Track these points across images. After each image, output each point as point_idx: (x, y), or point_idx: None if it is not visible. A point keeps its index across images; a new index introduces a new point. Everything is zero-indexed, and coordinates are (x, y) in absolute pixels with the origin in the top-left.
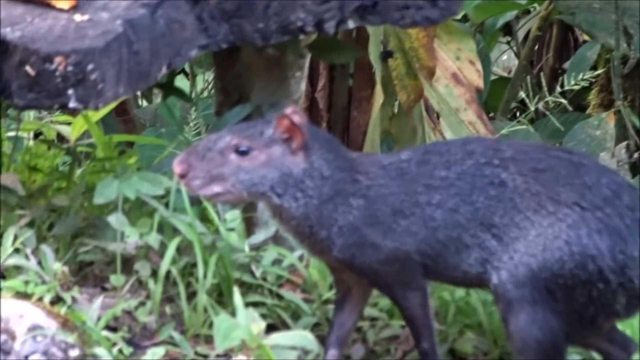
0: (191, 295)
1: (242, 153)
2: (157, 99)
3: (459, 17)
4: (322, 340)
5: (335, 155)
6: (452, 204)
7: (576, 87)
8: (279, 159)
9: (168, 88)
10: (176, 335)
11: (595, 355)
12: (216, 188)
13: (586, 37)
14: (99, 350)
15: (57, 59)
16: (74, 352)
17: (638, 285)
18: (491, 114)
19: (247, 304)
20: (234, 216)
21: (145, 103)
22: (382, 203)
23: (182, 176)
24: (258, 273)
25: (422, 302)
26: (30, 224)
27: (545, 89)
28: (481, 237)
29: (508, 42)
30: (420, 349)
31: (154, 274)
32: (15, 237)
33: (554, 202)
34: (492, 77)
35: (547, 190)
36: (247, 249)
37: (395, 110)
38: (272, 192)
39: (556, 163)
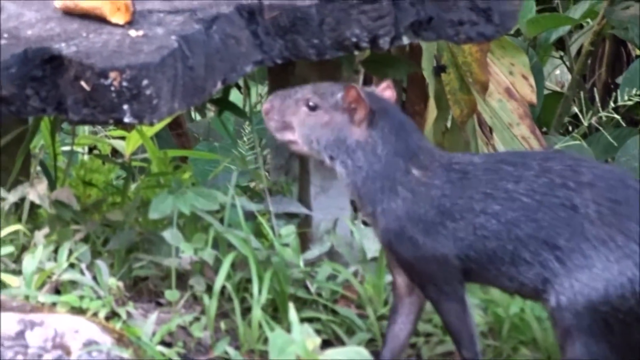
0: (246, 311)
1: (311, 108)
2: (210, 112)
3: (511, 31)
4: (377, 356)
5: (398, 139)
6: (512, 218)
7: (629, 102)
8: (338, 124)
9: (223, 103)
10: (231, 351)
11: None
12: (288, 135)
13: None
14: None
15: (112, 74)
16: None
17: None
18: (544, 129)
19: (302, 320)
20: (288, 231)
21: (198, 117)
22: (429, 202)
23: (266, 113)
24: (313, 288)
25: (460, 311)
26: (85, 239)
27: (598, 104)
28: (543, 256)
29: (561, 57)
30: (462, 357)
31: (209, 289)
32: (70, 252)
33: (625, 236)
34: (545, 92)
35: (620, 223)
36: (301, 264)
37: (449, 124)
38: (325, 152)
39: (632, 195)
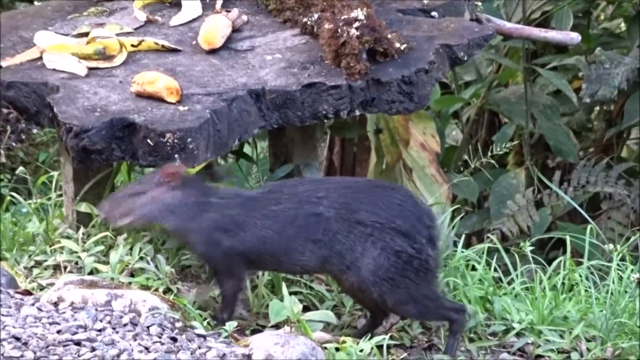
0: (254, 287)
1: (140, 195)
2: (230, 159)
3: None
4: (339, 316)
5: (199, 190)
6: (279, 228)
7: (500, 152)
8: (162, 196)
9: (239, 153)
10: (244, 313)
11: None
12: (126, 220)
13: (506, 120)
14: (195, 323)
15: (168, 135)
16: (179, 324)
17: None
18: (445, 169)
19: (291, 293)
20: None
21: (223, 162)
22: (228, 218)
23: (105, 217)
24: None
25: (236, 288)
26: (150, 241)
27: (480, 153)
28: (311, 246)
29: (456, 123)
30: (219, 317)
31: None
32: (140, 249)
33: (361, 224)
34: (446, 146)
35: (354, 216)
36: None
37: (384, 167)
38: (159, 218)
39: (357, 196)
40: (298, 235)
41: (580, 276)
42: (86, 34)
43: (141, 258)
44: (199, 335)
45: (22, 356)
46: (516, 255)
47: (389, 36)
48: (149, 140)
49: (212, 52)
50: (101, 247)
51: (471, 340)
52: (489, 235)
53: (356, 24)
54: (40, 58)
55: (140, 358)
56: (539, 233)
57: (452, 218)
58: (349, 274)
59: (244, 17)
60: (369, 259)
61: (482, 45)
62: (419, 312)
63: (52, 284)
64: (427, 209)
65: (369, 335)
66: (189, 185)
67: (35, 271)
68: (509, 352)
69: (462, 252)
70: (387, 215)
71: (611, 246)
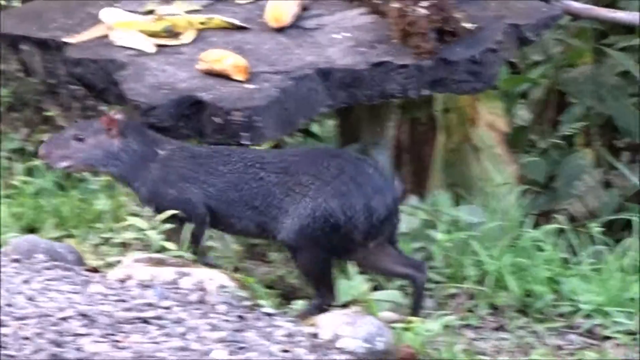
0: None
1: (80, 140)
2: (298, 137)
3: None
4: (407, 296)
5: (144, 138)
6: (222, 187)
7: (568, 133)
8: (101, 142)
9: (306, 132)
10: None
11: None
12: (64, 163)
13: (574, 100)
14: (263, 302)
15: (235, 113)
16: (246, 302)
17: (363, 226)
18: (515, 150)
19: (359, 273)
20: None
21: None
22: (173, 170)
23: (44, 157)
24: None
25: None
26: None
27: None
28: (248, 212)
29: (524, 103)
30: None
31: None
32: None
33: (299, 185)
34: (515, 126)
35: (293, 179)
36: None
37: (452, 146)
38: (99, 164)
39: (299, 160)
40: (239, 200)
41: None
42: (154, 11)
43: (210, 237)
44: (266, 314)
45: (89, 333)
46: (584, 236)
47: (457, 15)
48: (216, 118)
49: (280, 30)
50: (170, 225)
51: (539, 321)
52: (557, 216)
53: (424, 3)
54: (108, 35)
55: (208, 336)
56: (607, 214)
57: (521, 198)
58: (280, 235)
59: None
60: (298, 215)
61: (550, 25)
62: (311, 279)
63: (119, 262)
64: (377, 180)
65: (436, 316)
66: (131, 133)
67: (103, 248)
68: (576, 333)
69: (530, 232)
70: (323, 177)
71: None
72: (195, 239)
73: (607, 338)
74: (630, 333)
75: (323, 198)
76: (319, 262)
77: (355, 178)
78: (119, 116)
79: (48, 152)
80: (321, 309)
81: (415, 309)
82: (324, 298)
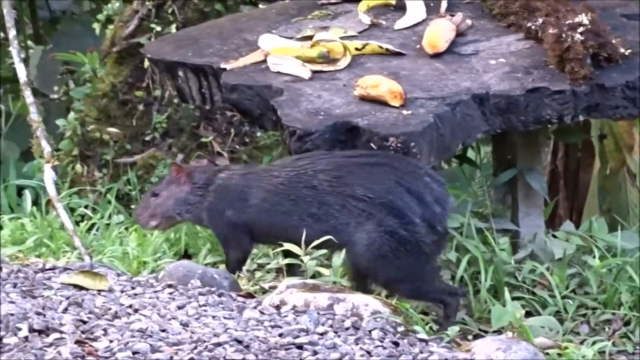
0: (476, 292)
1: (156, 195)
2: (454, 163)
3: None
4: (561, 322)
5: (205, 174)
6: (276, 200)
7: None
8: (173, 192)
9: (462, 157)
10: (466, 318)
11: None
12: (152, 222)
13: None
14: (417, 328)
15: (391, 139)
16: (400, 329)
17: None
18: None
19: (513, 298)
20: (504, 241)
21: (445, 166)
22: (228, 190)
23: (136, 220)
24: (520, 278)
25: (240, 258)
26: None
27: None
28: (307, 221)
29: None
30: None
31: (453, 278)
32: None
33: (352, 197)
34: None
35: (348, 189)
36: (512, 262)
37: (607, 172)
38: (175, 214)
39: (352, 169)
40: (294, 209)
41: None
42: (310, 37)
43: None
44: (420, 340)
45: (243, 359)
46: None
47: (613, 41)
48: (372, 144)
49: (436, 56)
50: (324, 251)
51: None
52: None
53: (580, 29)
54: (264, 61)
55: None
56: None
57: None
58: (346, 249)
59: (468, 22)
60: (363, 234)
61: None
62: (410, 292)
63: (274, 287)
64: (435, 189)
65: (591, 342)
66: (199, 176)
67: (258, 274)
68: None
69: None
70: (379, 190)
71: None
72: (232, 270)
73: None
74: None
75: (382, 214)
76: (407, 275)
77: (414, 189)
78: (194, 164)
79: (138, 214)
80: (453, 311)
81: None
82: (446, 305)
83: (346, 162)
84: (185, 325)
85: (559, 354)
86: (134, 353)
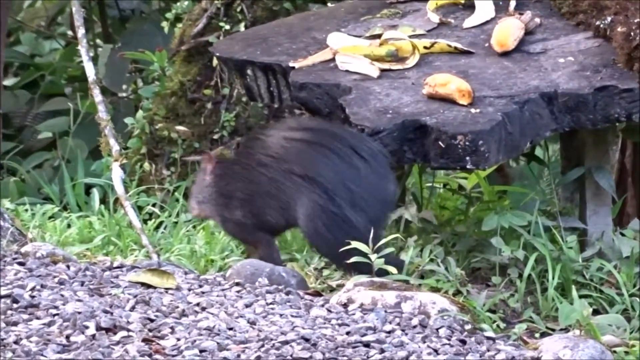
0: (544, 290)
1: (193, 183)
2: (522, 162)
3: None
4: (628, 320)
5: (227, 168)
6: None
7: None
8: (200, 181)
9: (530, 156)
10: (534, 316)
11: None
12: (194, 212)
13: None
14: (484, 326)
15: (459, 137)
16: (468, 327)
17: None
18: None
19: (580, 296)
20: (572, 239)
21: (514, 164)
22: (223, 191)
23: (189, 210)
24: (587, 276)
25: (268, 251)
26: (440, 243)
27: None
28: (265, 199)
29: None
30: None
31: (520, 276)
32: (430, 252)
33: (292, 173)
34: None
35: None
36: (580, 260)
37: None
38: (200, 203)
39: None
40: (266, 196)
41: None
42: (379, 36)
43: (431, 260)
44: (488, 338)
45: (311, 357)
46: None
47: None
48: (440, 143)
49: (505, 54)
50: (391, 249)
51: None
52: None
53: None
54: (333, 59)
55: None
56: None
57: None
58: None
59: (537, 20)
60: (303, 209)
61: None
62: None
63: (341, 285)
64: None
65: None
66: (223, 167)
67: (325, 272)
68: None
69: None
70: (313, 168)
71: None
72: (266, 259)
73: None
74: None
75: (314, 189)
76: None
77: (344, 170)
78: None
79: (188, 203)
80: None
81: None
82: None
83: (290, 136)
84: (252, 323)
85: (626, 352)
86: (201, 351)
